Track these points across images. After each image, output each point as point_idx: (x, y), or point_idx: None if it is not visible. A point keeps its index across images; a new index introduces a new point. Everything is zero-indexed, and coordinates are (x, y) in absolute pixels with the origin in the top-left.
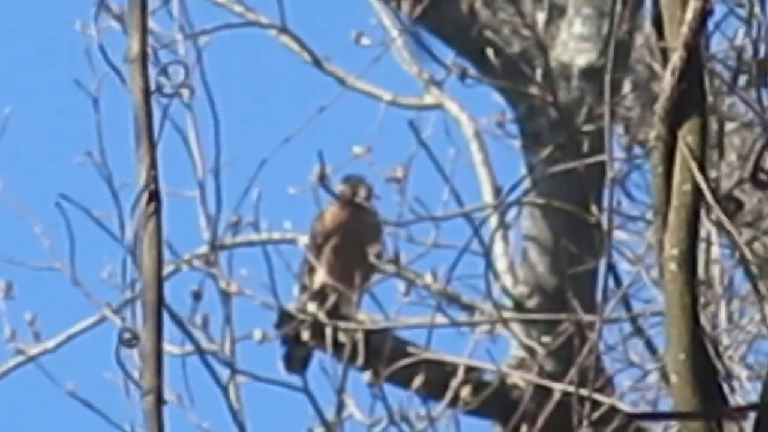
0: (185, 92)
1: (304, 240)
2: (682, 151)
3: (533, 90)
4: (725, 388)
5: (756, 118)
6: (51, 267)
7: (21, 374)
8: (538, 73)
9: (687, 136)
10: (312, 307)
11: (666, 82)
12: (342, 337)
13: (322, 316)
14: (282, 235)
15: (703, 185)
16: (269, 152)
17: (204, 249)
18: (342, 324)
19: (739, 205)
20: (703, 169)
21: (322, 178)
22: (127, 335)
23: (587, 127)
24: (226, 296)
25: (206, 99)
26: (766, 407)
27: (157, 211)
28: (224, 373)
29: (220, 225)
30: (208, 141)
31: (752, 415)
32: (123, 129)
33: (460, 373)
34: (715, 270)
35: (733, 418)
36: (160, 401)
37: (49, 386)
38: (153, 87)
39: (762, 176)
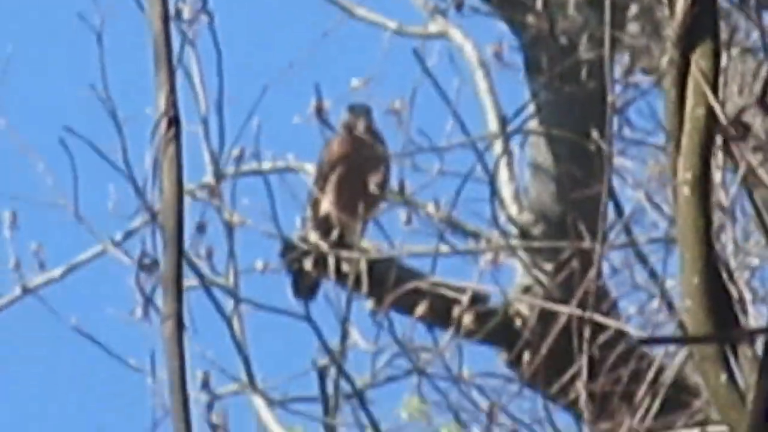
0: (202, 18)
1: (308, 169)
2: (694, 75)
3: (530, 19)
4: (738, 311)
5: (760, 43)
6: (55, 203)
7: (24, 307)
8: (538, 2)
9: (700, 60)
10: (314, 236)
11: (678, 6)
12: (345, 267)
13: (324, 246)
14: (285, 164)
15: (717, 108)
16: (276, 84)
17: (207, 180)
18: (344, 253)
19: (747, 128)
20: (716, 94)
21: (320, 111)
22: (145, 260)
23: (590, 55)
24: (229, 228)
25: (209, 32)
26: None
27: (177, 137)
28: (228, 304)
29: (223, 158)
30: (211, 75)
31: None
32: (127, 63)
33: (465, 299)
34: (721, 194)
35: (747, 341)
36: (180, 326)
37: (52, 320)
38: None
39: None
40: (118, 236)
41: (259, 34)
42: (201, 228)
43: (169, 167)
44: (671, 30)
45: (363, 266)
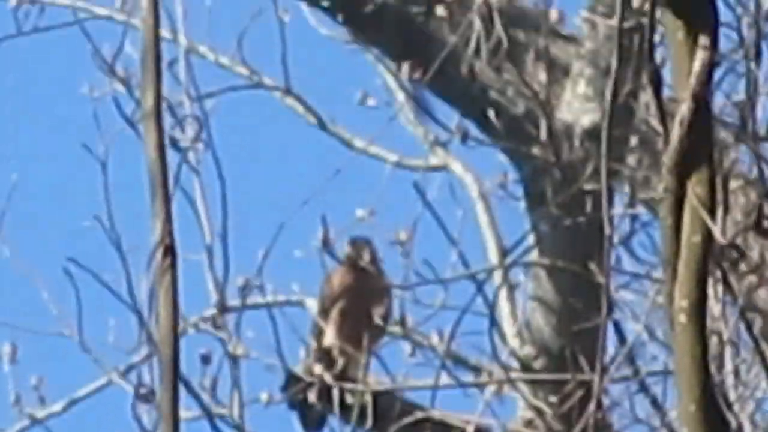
0: (199, 147)
1: (310, 302)
2: (691, 202)
3: (536, 151)
4: None
5: (759, 172)
6: (59, 333)
7: None
8: (542, 134)
9: (696, 187)
10: (318, 368)
11: (674, 133)
12: (349, 399)
13: (328, 378)
14: (287, 297)
15: (716, 232)
16: (276, 215)
17: (211, 311)
18: (348, 385)
19: (742, 254)
20: (713, 220)
21: (326, 243)
22: (143, 390)
23: (591, 187)
24: (234, 359)
25: (213, 162)
26: None
27: (173, 266)
28: None
29: (227, 288)
30: (214, 204)
31: None
32: (130, 192)
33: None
34: (721, 324)
35: None
36: None
37: None
38: (167, 142)
39: (766, 224)
40: (121, 367)
41: (257, 164)
42: (206, 359)
43: (165, 297)
44: (667, 157)
45: (368, 399)
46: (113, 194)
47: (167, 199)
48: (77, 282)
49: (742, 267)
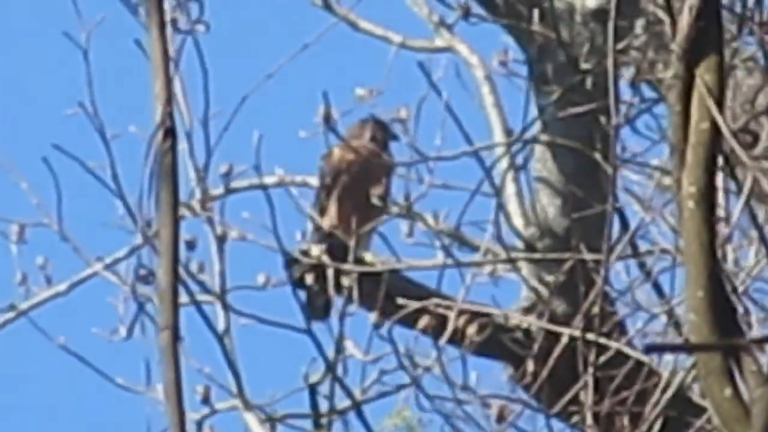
0: (200, 28)
1: (310, 182)
2: (699, 89)
3: (537, 29)
4: (742, 325)
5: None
6: (40, 223)
7: (13, 329)
8: (539, 13)
9: (704, 74)
10: (316, 250)
11: (683, 21)
12: (345, 281)
13: (325, 259)
14: (281, 178)
15: (721, 122)
16: (279, 95)
17: (196, 197)
18: (346, 266)
19: (755, 137)
20: (720, 107)
21: (328, 120)
22: (142, 272)
23: (596, 68)
24: (221, 241)
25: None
26: None
27: (173, 148)
28: (224, 317)
29: (211, 174)
30: (224, 86)
31: None
32: (113, 80)
33: (466, 314)
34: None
35: (752, 351)
36: (176, 337)
37: (41, 341)
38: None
39: None
40: (107, 255)
41: (261, 50)
42: (190, 245)
43: (166, 177)
44: (676, 44)
45: (366, 279)
46: (96, 82)
47: (168, 81)
48: (61, 170)
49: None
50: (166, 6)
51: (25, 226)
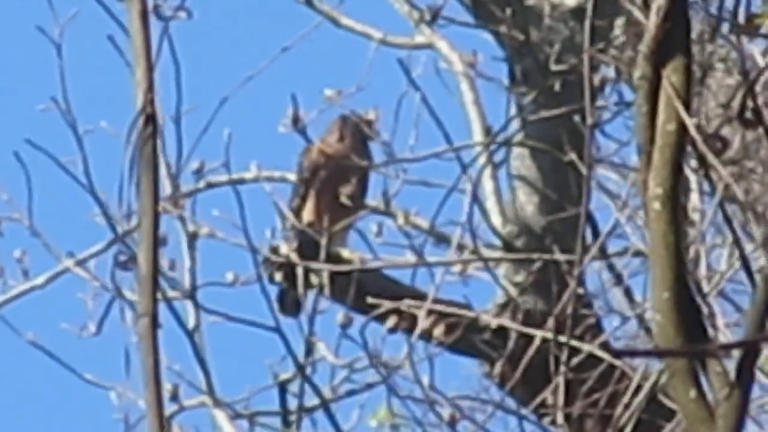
0: (182, 15)
1: (288, 177)
2: (666, 90)
3: (506, 31)
4: (708, 327)
5: (738, 63)
6: (9, 218)
7: None
8: (507, 12)
9: (671, 75)
10: (285, 248)
11: (651, 22)
12: (314, 279)
13: (294, 257)
14: (258, 173)
15: (689, 123)
16: (258, 95)
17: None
18: (315, 264)
19: (725, 143)
20: (687, 108)
21: (296, 121)
22: (122, 258)
23: (576, 67)
24: (192, 238)
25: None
26: (751, 344)
27: (154, 135)
28: (193, 315)
29: (183, 169)
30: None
31: (735, 354)
32: (86, 75)
33: (434, 314)
34: (695, 216)
35: (717, 356)
36: (155, 324)
37: (10, 336)
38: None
39: (748, 115)
40: (79, 251)
41: (242, 44)
42: (162, 241)
43: (146, 166)
44: (643, 45)
45: (340, 274)
46: (69, 77)
47: (149, 68)
48: (32, 166)
49: (724, 157)
50: None
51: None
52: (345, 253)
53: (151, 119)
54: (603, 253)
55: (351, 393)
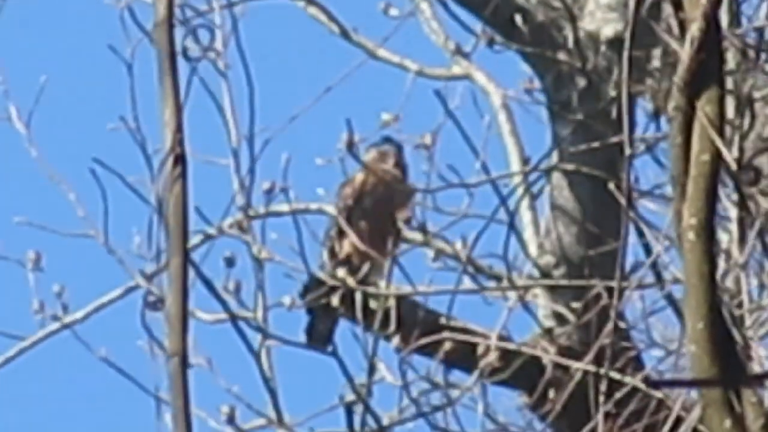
0: (212, 55)
1: (330, 208)
2: (700, 120)
3: (562, 57)
4: (743, 357)
5: None
6: (85, 234)
7: (52, 343)
8: (569, 40)
9: (705, 106)
10: (342, 272)
11: (685, 53)
12: (372, 304)
13: (351, 282)
14: (310, 204)
15: (725, 153)
16: (299, 123)
17: (237, 216)
18: (371, 289)
19: (758, 173)
20: (722, 139)
21: (351, 146)
22: (151, 298)
23: (615, 96)
24: (258, 262)
25: (241, 67)
26: None
27: (183, 175)
28: (255, 339)
29: (253, 192)
30: (242, 109)
31: None
32: (156, 94)
33: (487, 344)
34: (734, 248)
35: (752, 386)
36: (185, 364)
37: (82, 353)
38: (180, 50)
39: None
40: (147, 271)
41: (280, 74)
42: (230, 262)
43: (176, 205)
44: (677, 77)
45: (391, 303)
46: (139, 97)
47: (178, 109)
48: (103, 184)
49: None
50: (176, 33)
51: (41, 254)
52: (381, 284)
53: (180, 159)
54: (657, 277)
55: (416, 416)
